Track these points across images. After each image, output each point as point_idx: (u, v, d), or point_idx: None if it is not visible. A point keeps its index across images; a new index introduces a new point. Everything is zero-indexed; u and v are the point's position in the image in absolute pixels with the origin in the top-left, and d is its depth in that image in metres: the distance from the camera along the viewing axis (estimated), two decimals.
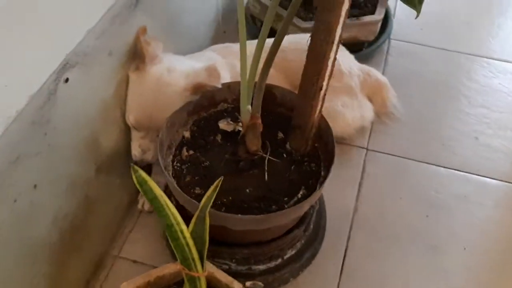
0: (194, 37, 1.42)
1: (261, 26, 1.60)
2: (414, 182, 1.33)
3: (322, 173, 1.04)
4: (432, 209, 1.27)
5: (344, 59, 1.37)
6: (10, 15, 0.70)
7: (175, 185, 0.97)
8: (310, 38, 0.92)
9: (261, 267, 1.09)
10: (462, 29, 1.78)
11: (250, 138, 1.05)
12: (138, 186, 0.70)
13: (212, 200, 0.75)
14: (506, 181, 1.34)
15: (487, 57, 1.67)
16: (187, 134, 1.12)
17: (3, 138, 0.73)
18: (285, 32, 0.87)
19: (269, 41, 1.33)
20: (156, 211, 0.71)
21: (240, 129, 1.06)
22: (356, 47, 1.60)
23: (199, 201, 0.99)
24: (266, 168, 1.06)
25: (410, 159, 1.38)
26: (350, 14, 1.56)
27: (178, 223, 0.71)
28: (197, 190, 1.02)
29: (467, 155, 1.39)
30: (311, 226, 1.15)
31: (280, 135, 1.12)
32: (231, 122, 1.13)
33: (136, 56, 1.07)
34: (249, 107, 1.00)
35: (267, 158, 1.07)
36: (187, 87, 1.07)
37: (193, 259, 0.71)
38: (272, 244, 1.06)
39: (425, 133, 1.45)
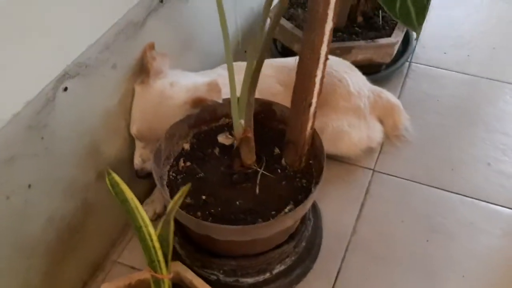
0: (211, 55, 1.47)
1: (281, 46, 1.65)
2: (418, 205, 1.30)
3: (312, 189, 1.05)
4: (433, 234, 1.24)
5: (354, 79, 1.38)
6: (12, 23, 0.77)
7: (163, 192, 1.01)
8: (298, 57, 0.94)
9: (249, 280, 1.10)
10: (486, 54, 1.75)
11: (244, 151, 1.08)
12: (110, 187, 0.75)
13: (178, 205, 0.78)
14: None
15: (508, 83, 1.63)
16: (186, 146, 1.16)
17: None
18: (263, 55, 0.89)
19: (273, 61, 1.39)
20: (126, 213, 0.75)
21: None
22: (373, 69, 1.61)
23: (188, 210, 1.03)
24: (258, 182, 1.08)
25: (416, 182, 1.36)
26: (367, 37, 1.57)
27: (146, 226, 0.75)
28: (188, 200, 1.05)
29: (477, 181, 1.35)
30: (303, 243, 1.15)
31: (277, 150, 1.14)
32: (229, 136, 1.16)
33: (142, 70, 1.14)
34: (242, 121, 1.03)
35: (260, 172, 1.09)
36: (187, 100, 1.12)
37: (159, 261, 0.75)
38: (260, 257, 1.07)
39: (435, 157, 1.42)
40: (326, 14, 0.83)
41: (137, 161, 1.17)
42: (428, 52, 1.77)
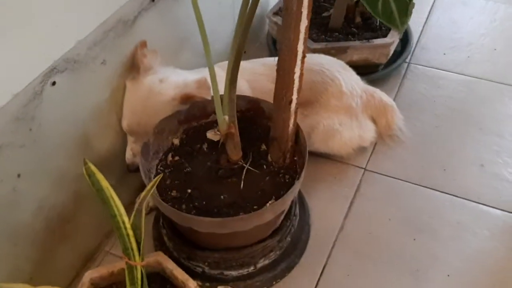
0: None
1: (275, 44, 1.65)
2: (407, 205, 1.31)
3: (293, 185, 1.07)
4: (420, 233, 1.24)
5: (347, 79, 1.40)
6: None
7: (147, 184, 1.04)
8: (278, 55, 0.96)
9: (233, 273, 1.12)
10: (486, 56, 1.74)
11: (229, 147, 1.11)
12: (86, 177, 0.78)
13: (149, 195, 0.81)
14: (508, 211, 1.28)
15: (508, 84, 1.62)
16: (176, 141, 1.20)
17: None
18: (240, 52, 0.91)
19: (266, 60, 1.41)
20: (101, 202, 0.78)
21: None
22: (370, 69, 1.62)
23: (174, 203, 1.06)
24: (243, 177, 1.10)
25: (406, 181, 1.36)
26: (363, 37, 1.59)
27: (120, 215, 0.78)
28: (173, 193, 1.08)
29: (468, 181, 1.35)
30: (288, 239, 1.17)
31: (264, 147, 1.16)
32: (218, 132, 1.18)
33: (133, 67, 1.17)
34: (226, 117, 1.05)
35: (246, 168, 1.12)
36: (176, 96, 1.15)
37: (132, 249, 0.78)
38: (243, 251, 1.09)
39: (428, 158, 1.42)
40: (300, 13, 0.85)
41: (128, 155, 1.20)
42: (427, 53, 1.77)
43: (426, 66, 1.72)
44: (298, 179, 1.04)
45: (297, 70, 0.95)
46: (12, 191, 0.94)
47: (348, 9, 1.63)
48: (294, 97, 1.00)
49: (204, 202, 1.06)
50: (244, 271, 1.13)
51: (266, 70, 1.36)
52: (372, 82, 1.52)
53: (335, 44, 1.55)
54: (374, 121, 1.44)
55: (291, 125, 1.05)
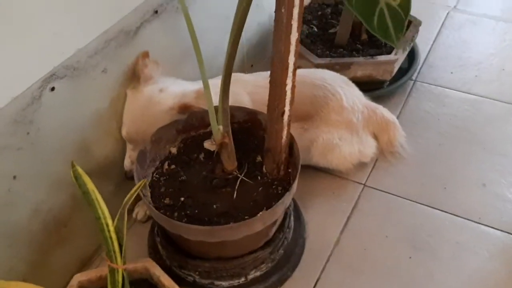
0: (211, 67, 1.52)
1: None
2: (405, 222, 1.29)
3: (283, 197, 1.07)
4: (417, 252, 1.22)
5: (348, 94, 1.40)
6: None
7: (140, 193, 1.05)
8: (270, 67, 0.98)
9: (224, 283, 1.12)
10: (494, 75, 1.72)
11: (224, 157, 1.12)
12: (73, 179, 0.80)
13: (132, 198, 0.82)
14: (509, 232, 1.25)
15: None
16: (174, 150, 1.21)
17: None
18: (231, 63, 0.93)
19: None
20: (87, 204, 0.80)
21: None
22: (375, 86, 1.62)
23: (166, 211, 1.07)
24: (236, 188, 1.11)
25: (406, 198, 1.35)
26: (367, 54, 1.59)
27: (105, 217, 0.79)
28: (166, 201, 1.09)
29: (469, 201, 1.33)
30: (281, 251, 1.17)
31: (259, 158, 1.17)
32: (214, 142, 1.20)
33: (134, 76, 1.20)
34: (221, 127, 1.07)
35: (240, 178, 1.13)
36: (174, 106, 1.17)
37: (115, 252, 0.79)
38: (233, 261, 1.09)
39: (429, 175, 1.41)
40: (290, 25, 0.86)
41: (126, 162, 1.22)
42: (434, 72, 1.76)
43: (432, 84, 1.71)
44: (289, 190, 1.04)
45: (289, 82, 0.96)
46: (7, 192, 0.97)
47: (354, 26, 1.64)
48: (287, 108, 1.01)
49: (196, 211, 1.07)
50: (235, 282, 1.12)
51: (268, 83, 1.38)
52: (376, 99, 1.52)
53: (339, 60, 1.56)
54: (375, 137, 1.44)
55: (284, 136, 1.06)
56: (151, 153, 1.17)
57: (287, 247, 1.19)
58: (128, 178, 1.23)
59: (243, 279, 1.13)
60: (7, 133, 0.92)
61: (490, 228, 1.27)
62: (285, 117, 1.02)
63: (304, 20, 1.77)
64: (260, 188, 1.10)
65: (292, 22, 0.86)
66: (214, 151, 1.17)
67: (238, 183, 1.12)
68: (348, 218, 1.32)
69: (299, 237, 1.24)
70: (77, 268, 1.23)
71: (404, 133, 1.46)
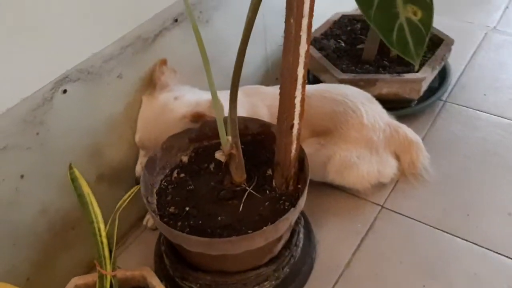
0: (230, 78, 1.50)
1: (313, 75, 1.65)
2: (422, 248, 1.23)
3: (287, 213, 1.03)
4: (432, 280, 1.16)
5: (370, 111, 1.36)
6: (14, 22, 0.86)
7: (144, 198, 1.04)
8: (280, 79, 0.95)
9: None
10: None
11: (233, 168, 1.10)
12: (70, 181, 0.80)
13: (124, 204, 0.81)
14: None
15: None
16: (185, 158, 1.20)
17: None
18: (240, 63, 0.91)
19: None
20: (82, 208, 0.79)
21: None
22: (402, 104, 1.57)
23: (170, 219, 1.06)
24: (243, 200, 1.09)
25: (425, 224, 1.28)
26: (394, 71, 1.54)
27: (97, 222, 0.79)
28: (172, 209, 1.08)
29: (493, 230, 1.25)
30: (287, 269, 1.13)
31: (269, 172, 1.14)
32: (223, 153, 1.18)
33: (151, 83, 1.20)
34: (229, 137, 1.05)
35: (248, 191, 1.10)
36: (187, 114, 1.16)
37: (105, 257, 0.78)
38: (235, 276, 1.07)
39: (451, 201, 1.34)
40: (299, 37, 0.84)
41: (137, 168, 1.22)
42: (467, 93, 1.69)
43: (464, 106, 1.64)
44: (294, 207, 1.00)
45: (298, 95, 0.93)
46: (15, 191, 0.98)
47: (383, 42, 1.59)
48: (296, 122, 0.98)
49: (200, 222, 1.05)
50: None
51: None
52: (403, 118, 1.47)
53: (364, 76, 1.51)
54: (397, 157, 1.38)
55: (293, 150, 1.03)
56: (161, 161, 1.16)
57: (293, 266, 1.14)
58: (139, 183, 1.23)
59: None
60: (16, 133, 0.94)
61: (511, 260, 1.19)
62: (294, 130, 0.99)
63: (332, 35, 1.75)
64: (267, 203, 1.07)
65: (301, 33, 0.84)
66: (223, 162, 1.16)
67: (245, 196, 1.09)
68: (362, 240, 1.26)
69: (308, 256, 1.19)
70: (83, 272, 1.23)
71: (428, 155, 1.40)
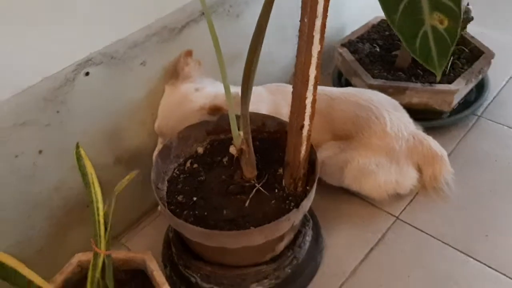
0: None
1: (345, 78, 1.63)
2: (433, 265, 1.19)
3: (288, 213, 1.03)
4: None
5: (395, 119, 1.32)
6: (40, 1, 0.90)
7: (153, 185, 1.06)
8: (293, 79, 0.95)
9: None
10: None
11: (244, 164, 1.10)
12: (76, 159, 0.83)
13: (121, 188, 0.83)
14: None
15: None
16: (200, 150, 1.22)
17: (11, 102, 0.93)
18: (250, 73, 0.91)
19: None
20: (85, 186, 0.82)
21: None
22: (433, 115, 1.52)
23: (177, 208, 1.08)
24: (250, 196, 1.09)
25: (439, 240, 1.25)
26: (426, 80, 1.50)
27: (97, 201, 0.81)
28: (180, 198, 1.10)
29: (510, 255, 1.19)
30: (288, 270, 1.12)
31: (281, 171, 1.14)
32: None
33: (175, 73, 1.23)
34: (241, 133, 1.06)
35: (256, 188, 1.11)
36: (204, 106, 1.17)
37: (100, 236, 0.80)
38: (234, 270, 1.07)
39: (470, 219, 1.29)
40: (312, 37, 0.83)
41: (155, 154, 1.25)
42: (504, 110, 1.62)
43: (498, 123, 1.57)
44: (297, 208, 1.00)
45: (309, 96, 0.92)
46: (33, 165, 1.03)
47: None
48: (306, 123, 0.97)
49: (205, 213, 1.06)
50: None
51: None
52: (432, 129, 1.44)
53: (394, 83, 1.48)
54: (419, 169, 1.34)
55: (303, 151, 1.02)
56: (176, 149, 1.18)
57: (296, 267, 1.14)
58: None
59: None
60: (36, 109, 0.98)
61: None
62: (304, 131, 0.98)
63: (369, 39, 1.71)
64: (273, 201, 1.07)
65: (314, 34, 0.83)
66: (235, 156, 1.17)
67: (253, 192, 1.10)
68: (371, 249, 1.24)
69: (312, 259, 1.18)
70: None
71: (453, 170, 1.35)
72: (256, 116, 1.22)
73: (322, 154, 1.32)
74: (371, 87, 1.48)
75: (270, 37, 1.45)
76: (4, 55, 0.90)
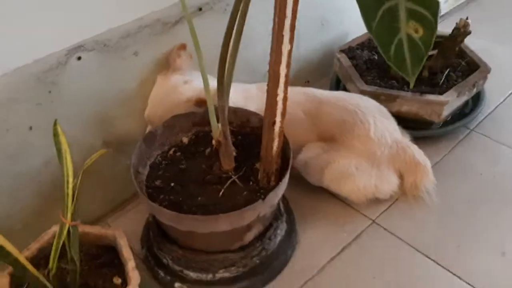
0: (255, 72, 1.55)
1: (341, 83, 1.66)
2: (401, 269, 1.21)
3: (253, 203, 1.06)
4: None
5: (380, 125, 1.35)
6: None
7: (132, 168, 1.12)
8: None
9: (192, 274, 1.15)
10: None
11: (222, 155, 1.15)
12: (53, 135, 0.89)
13: (90, 164, 0.89)
14: None
15: None
16: (185, 139, 1.27)
17: (1, 79, 1.00)
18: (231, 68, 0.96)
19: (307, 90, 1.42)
20: (58, 161, 0.89)
21: None
22: (423, 125, 1.54)
23: (154, 191, 1.14)
24: (225, 187, 1.14)
25: (412, 246, 1.26)
26: (417, 90, 1.52)
27: (68, 175, 0.87)
28: (158, 182, 1.16)
29: (481, 267, 1.20)
30: (255, 260, 1.16)
31: (258, 165, 1.18)
32: None
33: (166, 64, 1.28)
34: (219, 124, 1.10)
35: (232, 179, 1.15)
36: (191, 98, 1.23)
37: (67, 207, 0.86)
38: (202, 254, 1.12)
39: (445, 229, 1.30)
40: (282, 36, 0.87)
41: None
42: (498, 126, 1.62)
43: (490, 138, 1.57)
44: (263, 199, 1.04)
45: (280, 93, 0.96)
46: (22, 141, 1.10)
47: None
48: (278, 119, 1.01)
49: (180, 198, 1.12)
50: (203, 276, 1.15)
51: (303, 99, 1.39)
52: (422, 139, 1.46)
53: (385, 91, 1.50)
54: (401, 176, 1.37)
55: (275, 147, 1.06)
56: (161, 137, 1.24)
57: (264, 258, 1.18)
58: None
59: (210, 275, 1.15)
60: (29, 87, 1.05)
61: None
62: (276, 127, 1.03)
63: (369, 46, 1.74)
64: (245, 193, 1.12)
65: (284, 33, 0.87)
66: (214, 148, 1.22)
67: (228, 183, 1.14)
68: (343, 249, 1.27)
69: (283, 252, 1.22)
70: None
71: (435, 180, 1.36)
72: (242, 112, 1.27)
73: (305, 154, 1.36)
74: (363, 93, 1.51)
75: (268, 36, 1.50)
76: None
